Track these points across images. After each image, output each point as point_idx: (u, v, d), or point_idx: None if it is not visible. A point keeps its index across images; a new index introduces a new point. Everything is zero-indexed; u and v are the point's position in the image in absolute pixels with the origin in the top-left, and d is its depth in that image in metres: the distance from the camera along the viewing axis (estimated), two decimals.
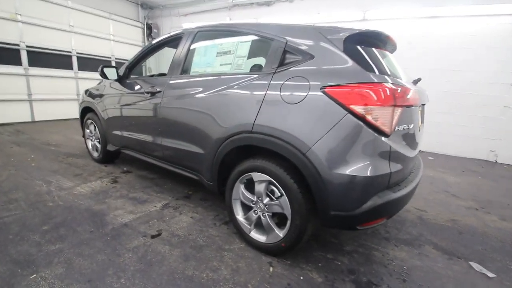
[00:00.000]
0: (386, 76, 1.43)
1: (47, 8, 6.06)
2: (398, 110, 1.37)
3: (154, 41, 2.66)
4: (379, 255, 1.84)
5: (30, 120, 6.11)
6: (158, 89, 2.28)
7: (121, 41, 7.90)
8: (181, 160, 2.23)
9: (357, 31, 1.51)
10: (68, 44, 6.56)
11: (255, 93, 1.65)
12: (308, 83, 1.45)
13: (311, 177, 1.42)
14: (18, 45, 5.66)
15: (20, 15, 5.60)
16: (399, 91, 1.38)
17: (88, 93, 3.40)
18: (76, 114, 7.40)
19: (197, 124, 1.97)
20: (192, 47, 2.21)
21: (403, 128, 1.49)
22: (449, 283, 1.60)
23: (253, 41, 1.84)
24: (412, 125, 1.60)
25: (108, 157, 3.32)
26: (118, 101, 2.81)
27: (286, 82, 1.53)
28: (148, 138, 2.49)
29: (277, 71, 1.62)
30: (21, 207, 2.19)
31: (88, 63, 7.05)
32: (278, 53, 1.65)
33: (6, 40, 5.49)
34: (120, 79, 2.82)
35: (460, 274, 1.70)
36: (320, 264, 1.69)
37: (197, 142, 2.01)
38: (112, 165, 3.39)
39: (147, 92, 2.38)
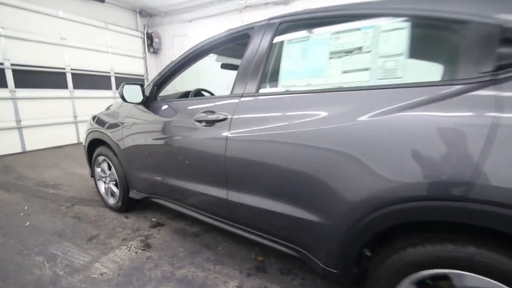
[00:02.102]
0: None
1: (34, 19, 5.21)
2: None
3: (195, 46, 1.86)
4: None
5: (20, 150, 5.19)
6: (221, 116, 1.47)
7: (120, 53, 7.07)
8: (269, 227, 1.42)
9: None
10: (61, 59, 5.70)
11: (459, 120, 0.87)
12: None
13: None
14: (2, 63, 4.79)
15: (2, 28, 4.75)
16: None
17: (97, 119, 2.58)
18: (72, 139, 6.56)
19: (310, 174, 1.16)
20: (275, 48, 1.42)
21: None
22: None
23: (414, 26, 1.05)
24: None
25: (129, 205, 2.48)
26: (148, 131, 1.98)
27: None
28: (202, 188, 1.66)
29: (500, 77, 0.84)
30: None
31: (85, 80, 6.19)
32: (490, 46, 0.87)
33: None
34: (147, 101, 2.01)
35: None
36: None
37: (308, 204, 1.20)
38: (134, 214, 2.54)
39: (200, 121, 1.57)
